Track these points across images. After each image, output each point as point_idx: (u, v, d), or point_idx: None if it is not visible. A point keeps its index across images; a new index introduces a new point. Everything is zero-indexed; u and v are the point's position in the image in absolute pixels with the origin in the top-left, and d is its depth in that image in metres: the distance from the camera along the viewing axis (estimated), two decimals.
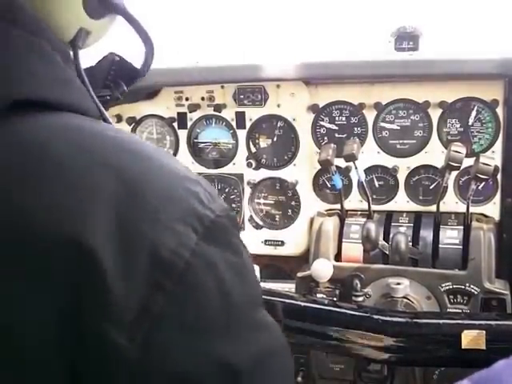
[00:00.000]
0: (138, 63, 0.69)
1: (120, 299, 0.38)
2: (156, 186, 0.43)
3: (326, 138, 1.47)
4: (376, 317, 1.08)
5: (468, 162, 1.31)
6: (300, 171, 1.49)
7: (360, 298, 1.30)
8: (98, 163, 0.42)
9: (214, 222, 0.44)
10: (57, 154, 0.41)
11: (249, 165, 1.52)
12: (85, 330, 0.38)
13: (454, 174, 1.35)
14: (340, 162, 1.40)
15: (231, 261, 0.44)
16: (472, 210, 1.33)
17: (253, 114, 1.50)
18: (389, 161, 1.43)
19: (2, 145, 0.41)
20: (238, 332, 0.44)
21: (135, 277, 0.39)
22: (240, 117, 1.50)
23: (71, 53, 0.56)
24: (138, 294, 0.39)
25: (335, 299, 1.33)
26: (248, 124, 1.51)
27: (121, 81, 0.66)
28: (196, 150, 1.56)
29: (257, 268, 1.27)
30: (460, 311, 1.28)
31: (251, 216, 1.54)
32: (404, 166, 1.43)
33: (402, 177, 1.43)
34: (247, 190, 1.54)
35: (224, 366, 0.41)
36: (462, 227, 1.34)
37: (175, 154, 1.55)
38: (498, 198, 1.38)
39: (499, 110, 1.35)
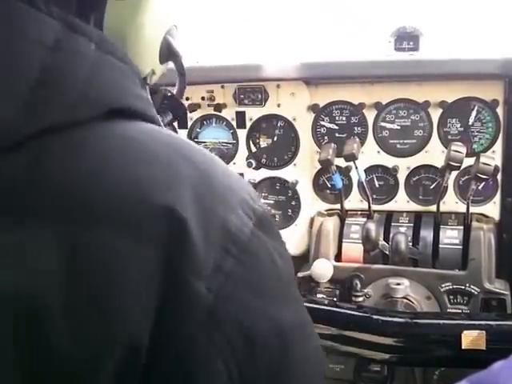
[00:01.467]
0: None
1: (201, 256, 0.47)
2: (220, 178, 0.52)
3: (326, 137, 1.47)
4: (376, 317, 1.08)
5: (468, 161, 1.31)
6: (300, 171, 1.49)
7: (360, 299, 1.30)
8: (177, 154, 0.52)
9: (263, 215, 0.53)
10: (150, 147, 0.52)
11: (249, 164, 1.52)
12: (174, 279, 0.47)
13: (454, 173, 1.35)
14: (340, 162, 1.40)
15: (276, 247, 0.54)
16: (472, 209, 1.33)
17: (253, 113, 1.50)
18: (389, 161, 1.43)
19: (107, 142, 0.51)
20: (287, 300, 0.55)
21: (212, 241, 0.48)
22: (240, 116, 1.50)
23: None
24: (213, 255, 0.48)
25: (335, 299, 1.33)
26: (248, 124, 1.51)
27: (169, 111, 0.80)
28: None
29: None
30: (460, 311, 1.28)
31: None
32: (404, 166, 1.43)
33: (402, 177, 1.43)
34: None
35: (277, 325, 0.51)
36: (462, 227, 1.34)
37: None
38: (498, 197, 1.38)
39: (499, 110, 1.35)
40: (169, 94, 0.81)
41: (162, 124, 0.61)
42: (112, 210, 0.48)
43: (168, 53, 0.72)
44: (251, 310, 0.50)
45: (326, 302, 1.21)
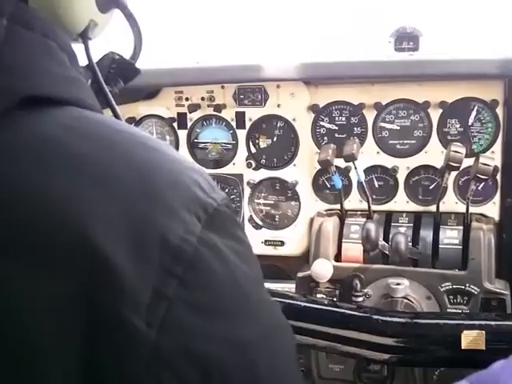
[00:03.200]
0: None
1: (134, 286, 0.39)
2: (164, 174, 0.44)
3: (325, 138, 1.47)
4: (376, 317, 1.08)
5: (468, 162, 1.31)
6: (300, 171, 1.49)
7: (360, 298, 1.30)
8: (109, 153, 0.43)
9: (216, 211, 0.45)
10: (73, 149, 0.43)
11: (249, 165, 1.52)
12: (101, 317, 0.39)
13: (454, 174, 1.35)
14: (340, 162, 1.40)
15: (234, 247, 0.46)
16: (472, 210, 1.33)
17: (253, 114, 1.50)
18: (388, 161, 1.43)
19: (18, 139, 0.42)
20: (248, 309, 0.46)
21: (148, 264, 0.40)
22: (240, 117, 1.50)
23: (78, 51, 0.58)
24: (151, 281, 0.40)
25: (335, 299, 1.33)
26: (248, 124, 1.51)
27: (119, 78, 0.72)
28: (196, 150, 1.56)
29: None
30: (460, 311, 1.28)
31: (251, 216, 1.54)
32: (404, 166, 1.43)
33: (401, 177, 1.43)
34: (247, 190, 1.54)
35: (237, 342, 0.43)
36: (461, 227, 1.34)
37: None
38: (497, 198, 1.38)
39: (499, 110, 1.35)
40: (116, 57, 0.72)
41: (96, 106, 0.51)
42: (18, 237, 0.39)
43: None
44: (202, 335, 0.42)
45: (326, 301, 1.21)
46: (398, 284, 1.29)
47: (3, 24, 0.44)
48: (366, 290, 1.32)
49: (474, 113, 1.37)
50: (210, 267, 0.43)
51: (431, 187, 1.42)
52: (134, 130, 0.49)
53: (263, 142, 1.52)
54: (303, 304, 1.13)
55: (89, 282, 0.39)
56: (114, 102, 0.63)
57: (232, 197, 1.55)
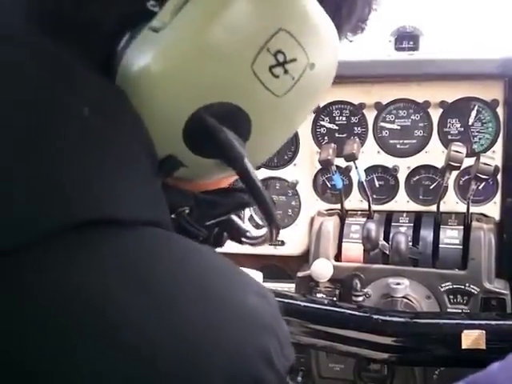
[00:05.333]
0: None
1: None
2: (219, 345, 0.35)
3: (326, 137, 1.47)
4: (376, 317, 1.08)
5: (468, 161, 1.31)
6: (300, 171, 1.49)
7: (360, 298, 1.30)
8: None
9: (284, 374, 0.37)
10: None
11: None
12: None
13: (455, 173, 1.35)
14: (340, 162, 1.40)
15: None
16: (472, 209, 1.33)
17: None
18: (389, 161, 1.43)
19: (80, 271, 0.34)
20: None
21: None
22: None
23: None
24: None
25: (335, 299, 1.33)
26: None
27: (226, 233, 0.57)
28: None
29: (259, 275, 1.27)
30: (460, 311, 1.28)
31: (251, 215, 1.54)
32: (404, 166, 1.43)
33: (402, 177, 1.43)
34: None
35: None
36: (462, 227, 1.34)
37: None
38: (498, 197, 1.38)
39: (499, 110, 1.35)
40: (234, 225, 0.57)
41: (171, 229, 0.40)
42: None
43: (203, 136, 0.43)
44: None
45: (326, 301, 1.21)
46: (397, 284, 1.29)
47: (84, 114, 0.35)
48: (366, 290, 1.32)
49: (474, 112, 1.37)
50: None
51: (432, 187, 1.42)
52: (203, 264, 0.39)
53: None
54: (303, 304, 1.13)
55: None
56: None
57: None
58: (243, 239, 0.61)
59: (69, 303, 0.32)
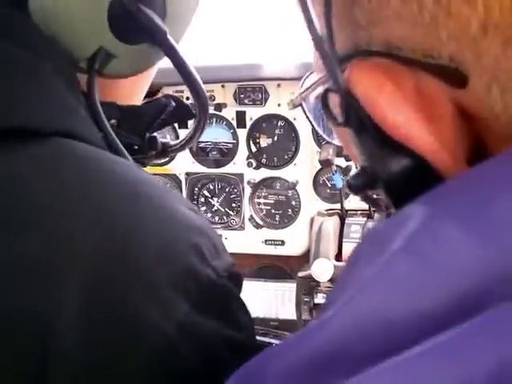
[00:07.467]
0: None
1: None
2: (150, 239, 0.36)
3: None
4: None
5: None
6: (300, 171, 1.49)
7: None
8: (87, 209, 0.35)
9: (213, 285, 0.37)
10: (37, 193, 0.35)
11: (249, 164, 1.52)
12: None
13: None
14: (340, 162, 1.40)
15: (227, 335, 0.38)
16: None
17: (253, 113, 1.49)
18: None
19: None
20: None
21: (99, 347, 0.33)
22: (240, 116, 1.50)
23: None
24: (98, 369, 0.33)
25: None
26: (248, 123, 1.50)
27: (171, 120, 0.59)
28: (196, 150, 1.56)
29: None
30: None
31: (251, 215, 1.54)
32: None
33: None
34: (247, 190, 1.54)
35: None
36: None
37: None
38: None
39: None
40: (172, 104, 0.60)
41: (96, 140, 0.42)
42: None
43: (126, 17, 0.46)
44: None
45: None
46: None
47: None
48: None
49: None
50: (187, 368, 0.35)
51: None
52: (130, 173, 0.40)
53: (264, 142, 1.52)
54: None
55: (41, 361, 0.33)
56: (117, 141, 0.48)
57: (232, 196, 1.55)
58: (172, 147, 0.63)
59: None
